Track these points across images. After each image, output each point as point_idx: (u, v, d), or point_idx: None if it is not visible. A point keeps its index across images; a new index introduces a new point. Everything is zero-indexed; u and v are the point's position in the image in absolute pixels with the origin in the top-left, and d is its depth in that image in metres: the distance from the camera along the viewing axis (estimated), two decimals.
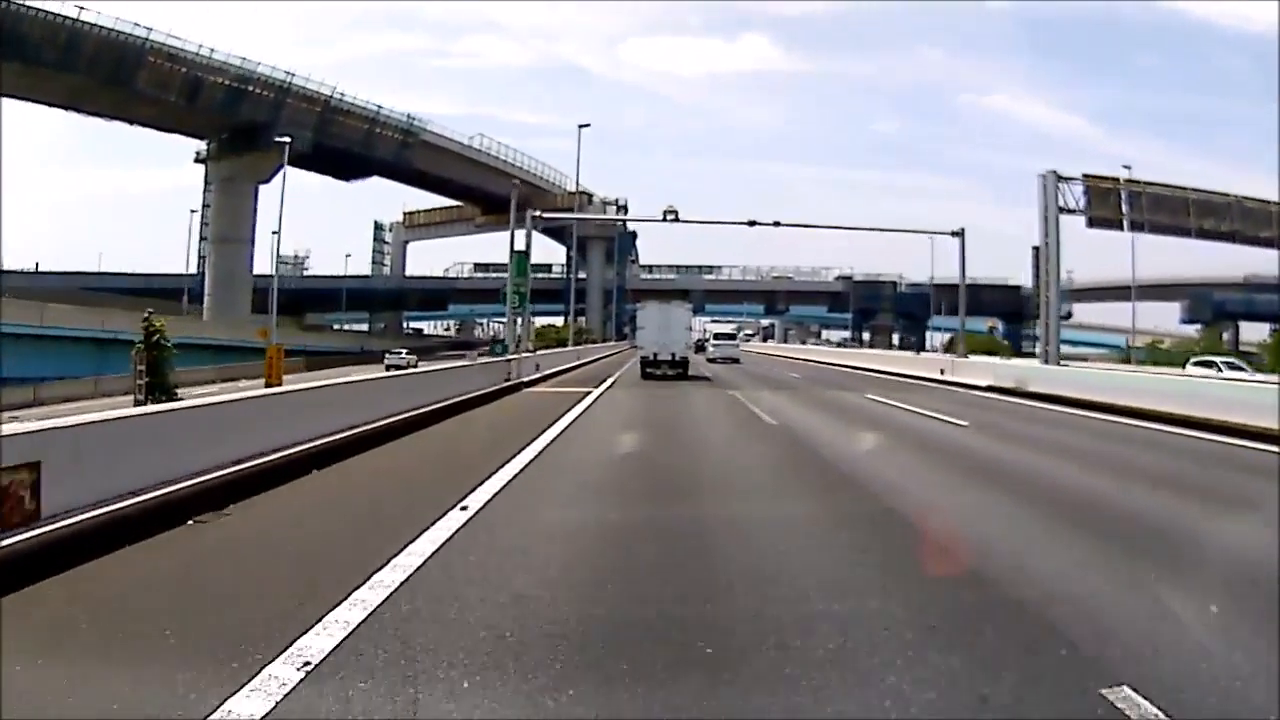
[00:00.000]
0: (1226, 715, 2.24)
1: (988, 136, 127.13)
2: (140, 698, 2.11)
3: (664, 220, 19.66)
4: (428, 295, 68.84)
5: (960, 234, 20.21)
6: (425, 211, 72.99)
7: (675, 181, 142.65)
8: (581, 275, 72.89)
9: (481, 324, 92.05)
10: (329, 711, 2.07)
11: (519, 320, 21.27)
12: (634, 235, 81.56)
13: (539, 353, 21.67)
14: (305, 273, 71.14)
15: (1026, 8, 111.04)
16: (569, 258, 72.67)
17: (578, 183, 46.35)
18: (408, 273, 72.72)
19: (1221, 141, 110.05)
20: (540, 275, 74.86)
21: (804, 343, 75.32)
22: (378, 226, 73.46)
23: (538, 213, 26.86)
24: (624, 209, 72.33)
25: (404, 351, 44.86)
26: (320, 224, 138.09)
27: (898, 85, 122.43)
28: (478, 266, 70.85)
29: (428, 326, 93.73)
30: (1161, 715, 2.12)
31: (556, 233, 73.66)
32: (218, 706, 2.06)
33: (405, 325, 79.84)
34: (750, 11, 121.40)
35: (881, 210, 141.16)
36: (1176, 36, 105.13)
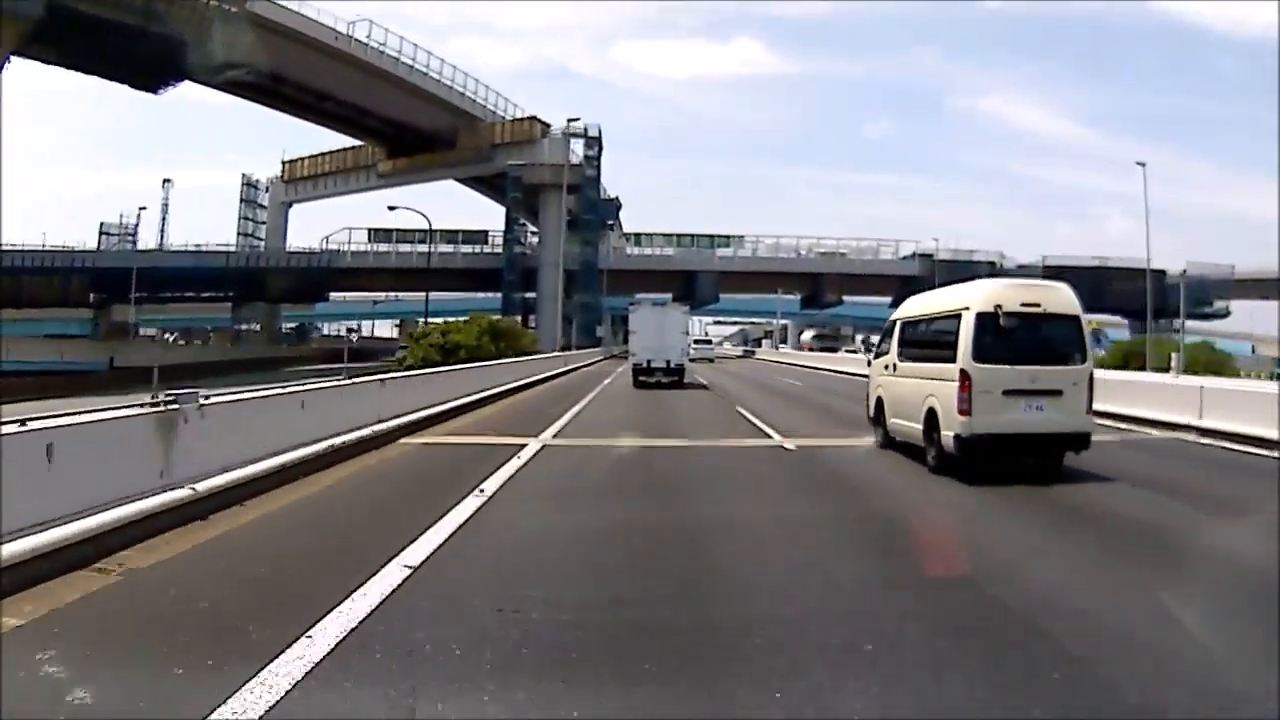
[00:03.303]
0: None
1: (981, 139, 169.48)
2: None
3: None
4: (298, 278, 65.92)
5: None
6: (310, 159, 72.40)
7: (665, 181, 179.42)
8: (525, 246, 69.62)
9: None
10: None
11: None
12: (618, 205, 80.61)
13: None
14: (136, 246, 69.08)
15: (1021, 9, 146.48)
16: (509, 220, 68.44)
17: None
18: (290, 245, 71.71)
19: (1218, 144, 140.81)
20: (469, 249, 72.01)
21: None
22: (248, 184, 72.75)
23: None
24: (597, 144, 68.88)
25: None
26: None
27: (890, 87, 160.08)
28: (376, 234, 68.31)
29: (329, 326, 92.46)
30: None
31: (493, 183, 71.01)
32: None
33: (282, 326, 78.52)
34: (741, 13, 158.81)
35: (876, 213, 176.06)
36: (1171, 38, 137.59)
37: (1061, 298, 9.07)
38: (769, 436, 12.89)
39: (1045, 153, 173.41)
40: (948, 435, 8.86)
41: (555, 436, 12.70)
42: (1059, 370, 8.83)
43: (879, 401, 11.43)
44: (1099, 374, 9.77)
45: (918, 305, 11.24)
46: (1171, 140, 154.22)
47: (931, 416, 9.24)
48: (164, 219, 78.30)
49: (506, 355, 31.34)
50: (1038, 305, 8.94)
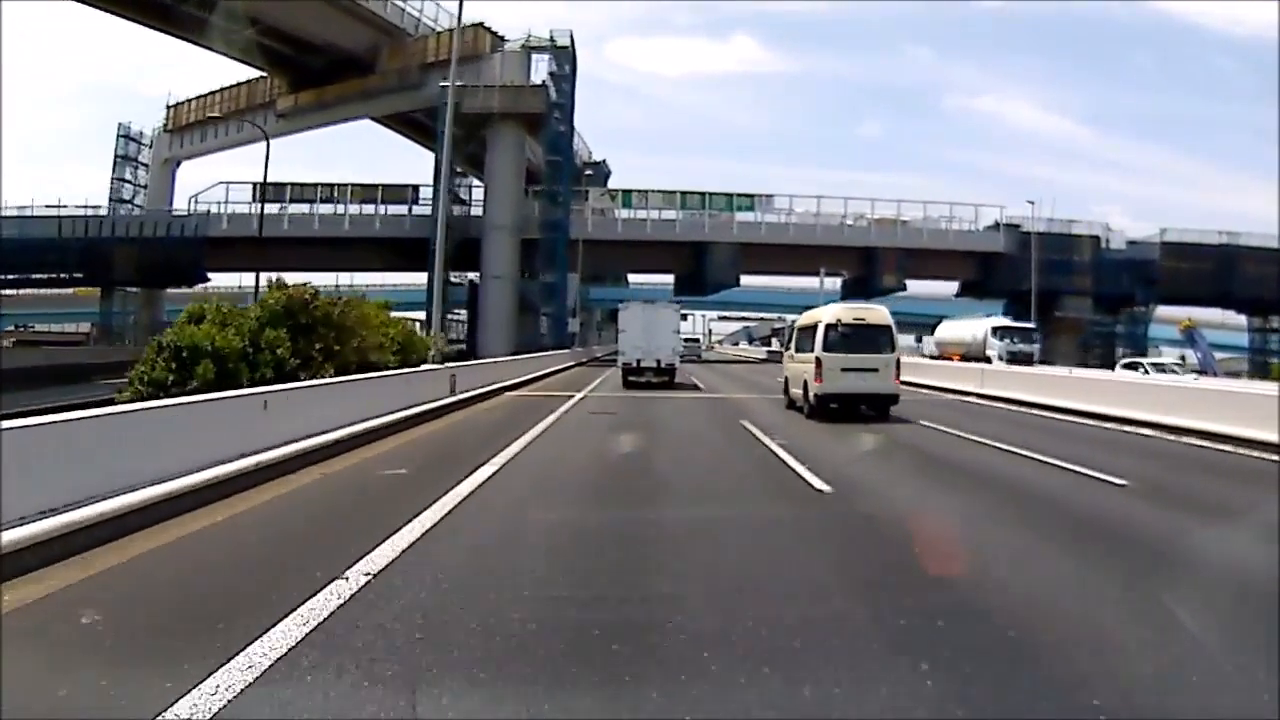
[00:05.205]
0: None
1: (978, 137, 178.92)
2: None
3: None
4: (158, 251, 72.89)
5: None
6: (198, 100, 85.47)
7: (661, 179, 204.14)
8: (466, 205, 76.47)
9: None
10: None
11: None
12: (606, 171, 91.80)
13: None
14: None
15: (1017, 8, 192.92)
16: (438, 168, 68.42)
17: None
18: (176, 208, 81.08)
19: (1214, 144, 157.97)
20: (394, 209, 77.63)
21: None
22: (125, 136, 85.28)
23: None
24: (569, 60, 75.53)
25: None
26: None
27: (887, 85, 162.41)
28: (262, 189, 72.74)
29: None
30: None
31: (426, 129, 78.62)
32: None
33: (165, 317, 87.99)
34: (739, 11, 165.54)
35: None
36: (1167, 38, 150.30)
37: (879, 315, 24.58)
38: None
39: (1041, 151, 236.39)
40: (811, 394, 24.03)
41: None
42: (876, 357, 24.04)
43: (786, 379, 27.19)
44: None
45: (804, 319, 26.92)
46: (1170, 140, 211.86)
47: (805, 385, 24.46)
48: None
49: (323, 369, 24.90)
50: (864, 319, 24.30)
